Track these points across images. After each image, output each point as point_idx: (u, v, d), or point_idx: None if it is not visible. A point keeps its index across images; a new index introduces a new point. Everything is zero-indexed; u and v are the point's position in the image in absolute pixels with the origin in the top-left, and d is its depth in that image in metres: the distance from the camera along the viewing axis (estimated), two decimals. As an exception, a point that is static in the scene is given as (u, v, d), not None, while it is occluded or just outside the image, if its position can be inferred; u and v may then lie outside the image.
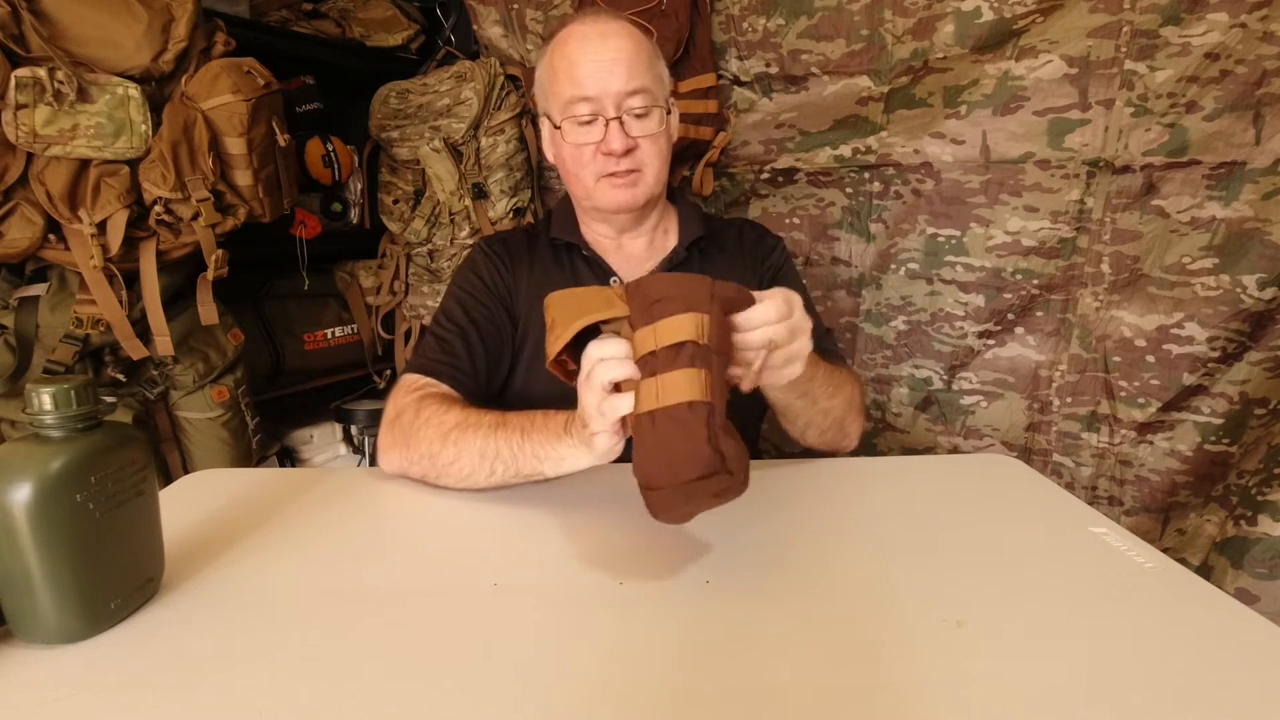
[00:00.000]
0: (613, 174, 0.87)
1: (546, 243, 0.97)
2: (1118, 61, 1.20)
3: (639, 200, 0.89)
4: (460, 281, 0.94)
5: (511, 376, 0.93)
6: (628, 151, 0.86)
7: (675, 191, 1.00)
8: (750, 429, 1.00)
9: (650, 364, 0.53)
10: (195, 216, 1.16)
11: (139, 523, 0.52)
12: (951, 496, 0.77)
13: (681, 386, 0.52)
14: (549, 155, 0.96)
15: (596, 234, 0.97)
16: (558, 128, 0.89)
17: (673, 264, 0.94)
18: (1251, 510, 1.20)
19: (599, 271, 0.94)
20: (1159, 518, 1.33)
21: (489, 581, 0.58)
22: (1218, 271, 1.21)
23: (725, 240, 0.99)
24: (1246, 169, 1.17)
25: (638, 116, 0.86)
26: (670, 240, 0.97)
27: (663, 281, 0.56)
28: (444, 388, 0.83)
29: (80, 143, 1.05)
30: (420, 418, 0.76)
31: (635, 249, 0.96)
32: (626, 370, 0.55)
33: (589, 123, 0.86)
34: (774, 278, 0.98)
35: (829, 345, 0.96)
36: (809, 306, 0.99)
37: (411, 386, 0.82)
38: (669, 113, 0.90)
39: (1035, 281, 1.33)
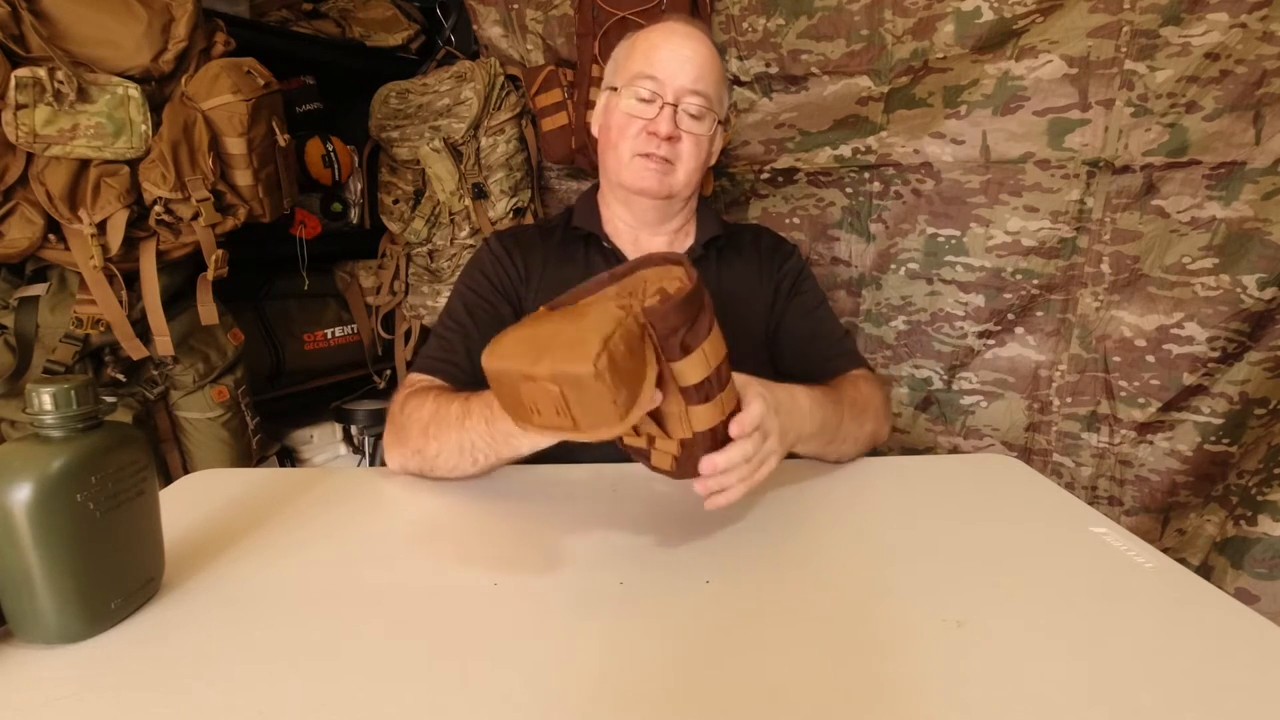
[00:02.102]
0: (648, 155, 0.90)
1: (563, 236, 0.98)
2: (1118, 61, 1.20)
3: (664, 189, 0.91)
4: (466, 279, 0.95)
5: None
6: (670, 139, 0.89)
7: (699, 199, 1.02)
8: None
9: (707, 388, 0.54)
10: (195, 216, 1.16)
11: (139, 523, 0.52)
12: (951, 496, 0.77)
13: (734, 395, 0.58)
14: (594, 128, 0.98)
15: (618, 224, 0.97)
16: (614, 90, 0.92)
17: None
18: (1251, 510, 1.20)
19: (615, 265, 0.95)
20: (1159, 518, 1.33)
21: (489, 581, 0.58)
22: (1218, 271, 1.21)
23: (741, 243, 1.01)
24: (1246, 169, 1.17)
25: (692, 116, 0.90)
26: (688, 241, 0.99)
27: (683, 308, 0.51)
28: (439, 384, 0.84)
29: (80, 143, 1.05)
30: (404, 414, 0.78)
31: (653, 247, 0.97)
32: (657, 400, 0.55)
33: (647, 101, 0.89)
34: (793, 284, 0.99)
35: (848, 347, 0.97)
36: (826, 309, 1.00)
37: (407, 385, 0.84)
38: (720, 122, 0.94)
39: (1035, 281, 1.33)
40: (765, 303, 0.98)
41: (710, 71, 0.90)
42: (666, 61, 0.89)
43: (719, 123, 0.94)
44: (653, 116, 0.89)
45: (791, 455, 0.72)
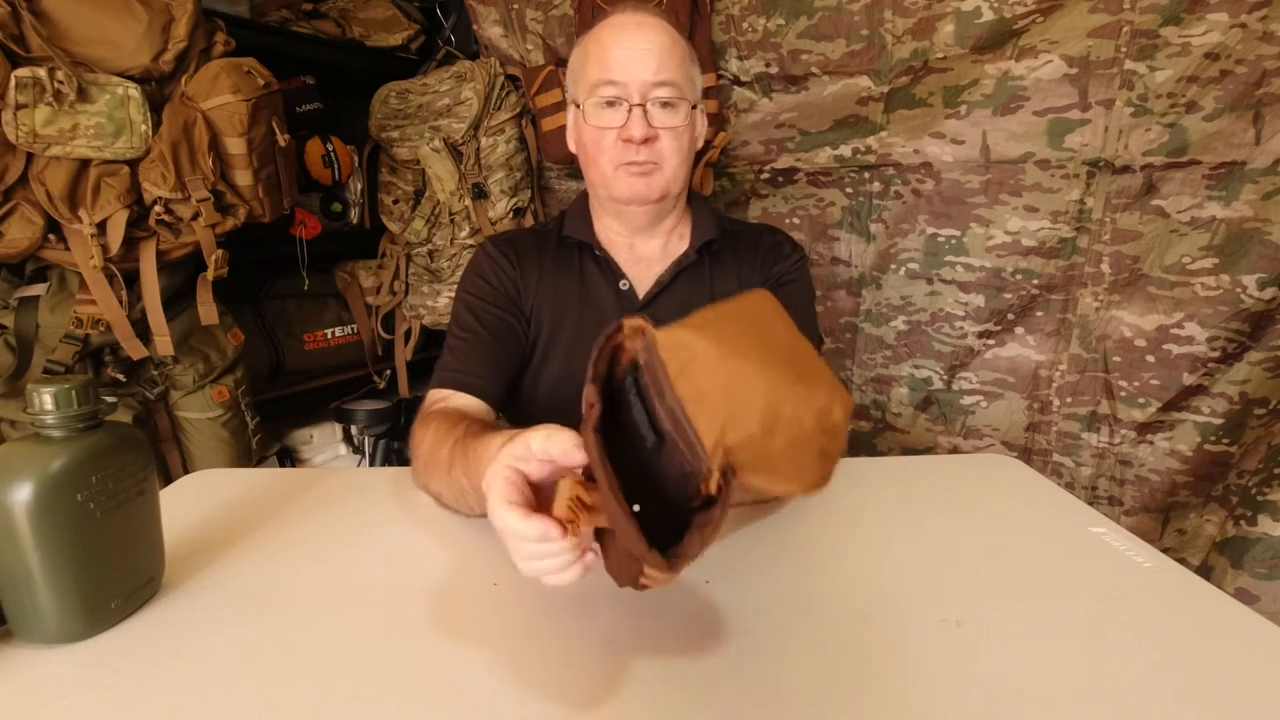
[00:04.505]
0: (630, 162, 0.86)
1: (557, 242, 0.95)
2: (1118, 61, 1.20)
3: (654, 192, 0.87)
4: (467, 286, 0.92)
5: (521, 377, 0.92)
6: (647, 141, 0.84)
7: (694, 195, 0.98)
8: None
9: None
10: (195, 216, 1.16)
11: (139, 523, 0.52)
12: (951, 496, 0.77)
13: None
14: (570, 144, 0.94)
15: (610, 232, 0.95)
16: (579, 108, 0.88)
17: (682, 267, 0.92)
18: (1251, 510, 1.20)
19: (609, 273, 0.92)
20: (1159, 518, 1.33)
21: (489, 581, 0.58)
22: (1218, 271, 1.21)
23: (740, 244, 0.97)
24: (1246, 169, 1.17)
25: (663, 105, 0.85)
26: (682, 245, 0.95)
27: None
28: (462, 398, 0.81)
29: (80, 143, 1.05)
30: (414, 444, 0.75)
31: (648, 251, 0.94)
32: None
33: (612, 105, 0.85)
34: (777, 286, 0.94)
35: None
36: (806, 315, 0.97)
37: (427, 405, 0.81)
38: (695, 108, 0.89)
39: (1035, 281, 1.33)
40: None
41: (671, 56, 0.84)
42: (623, 61, 0.83)
43: (694, 107, 0.88)
44: (623, 123, 0.84)
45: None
